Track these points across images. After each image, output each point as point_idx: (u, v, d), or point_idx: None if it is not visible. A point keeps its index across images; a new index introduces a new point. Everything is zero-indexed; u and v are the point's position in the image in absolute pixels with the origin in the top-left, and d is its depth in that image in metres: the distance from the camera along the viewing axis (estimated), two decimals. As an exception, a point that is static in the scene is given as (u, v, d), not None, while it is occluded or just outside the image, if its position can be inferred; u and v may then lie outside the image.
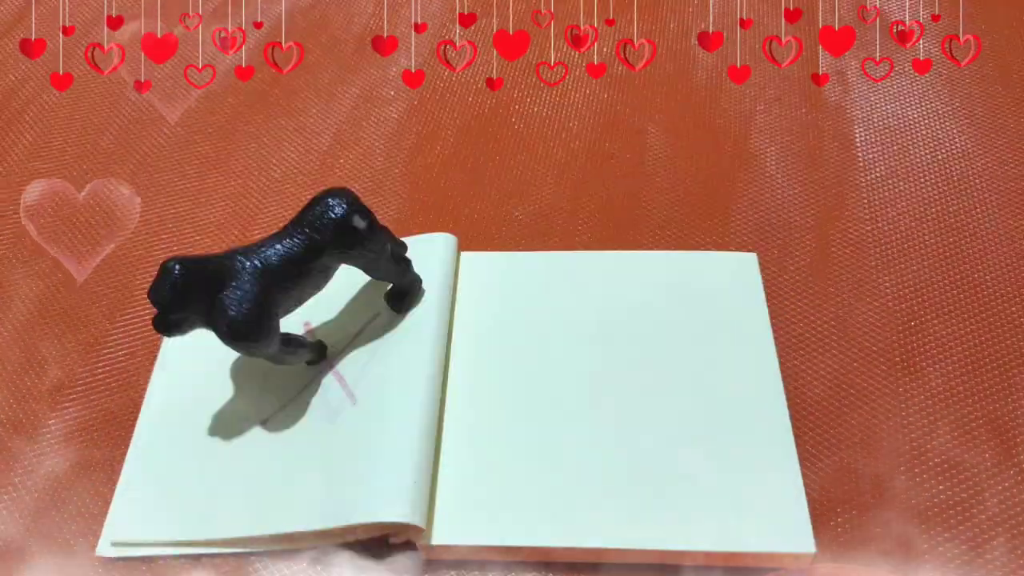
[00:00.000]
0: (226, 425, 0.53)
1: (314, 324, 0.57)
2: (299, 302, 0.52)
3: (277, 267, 0.50)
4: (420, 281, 0.57)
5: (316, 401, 0.54)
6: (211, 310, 0.48)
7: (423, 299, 0.57)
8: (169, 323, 0.48)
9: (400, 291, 0.56)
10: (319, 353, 0.55)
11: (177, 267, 0.47)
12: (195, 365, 0.55)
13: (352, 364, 0.55)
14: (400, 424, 0.50)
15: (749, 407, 0.52)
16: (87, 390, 0.56)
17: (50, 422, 0.54)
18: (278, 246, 0.50)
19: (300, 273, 0.50)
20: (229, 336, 0.49)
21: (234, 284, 0.48)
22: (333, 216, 0.51)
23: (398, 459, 0.49)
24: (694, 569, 0.47)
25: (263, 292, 0.49)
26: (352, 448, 0.50)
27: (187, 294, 0.48)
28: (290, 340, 0.52)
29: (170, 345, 0.57)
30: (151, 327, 0.58)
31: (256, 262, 0.49)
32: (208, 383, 0.55)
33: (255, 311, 0.48)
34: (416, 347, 0.54)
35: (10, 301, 0.61)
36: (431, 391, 0.52)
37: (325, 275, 0.52)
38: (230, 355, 0.54)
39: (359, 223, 0.51)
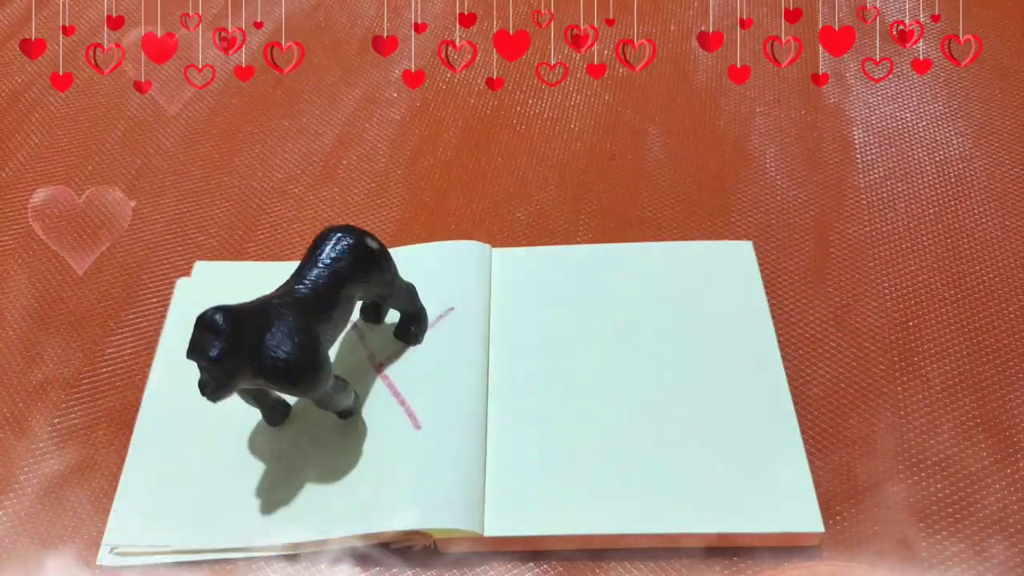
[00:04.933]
0: (230, 425, 0.53)
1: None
2: (333, 339, 0.50)
3: (311, 303, 0.48)
4: (425, 311, 0.57)
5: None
6: (258, 358, 0.45)
7: (467, 309, 0.57)
8: (219, 384, 0.44)
9: (410, 319, 0.56)
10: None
11: (220, 316, 0.43)
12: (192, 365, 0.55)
13: (406, 381, 0.54)
14: (462, 445, 0.51)
15: (754, 392, 0.53)
16: (91, 390, 0.56)
17: (55, 421, 0.55)
18: (304, 283, 0.49)
19: (331, 305, 0.49)
20: (286, 377, 0.46)
21: (276, 327, 0.46)
22: (348, 243, 0.51)
23: (459, 475, 0.49)
24: (709, 551, 0.48)
25: (306, 328, 0.47)
26: (400, 462, 0.50)
27: (236, 346, 0.44)
28: (336, 377, 0.49)
29: (165, 347, 0.57)
30: (151, 326, 0.59)
31: (288, 301, 0.48)
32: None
33: (308, 347, 0.46)
34: (470, 361, 0.55)
35: (14, 300, 0.62)
36: (484, 407, 0.53)
37: (350, 307, 0.51)
38: None
39: (372, 244, 0.52)
